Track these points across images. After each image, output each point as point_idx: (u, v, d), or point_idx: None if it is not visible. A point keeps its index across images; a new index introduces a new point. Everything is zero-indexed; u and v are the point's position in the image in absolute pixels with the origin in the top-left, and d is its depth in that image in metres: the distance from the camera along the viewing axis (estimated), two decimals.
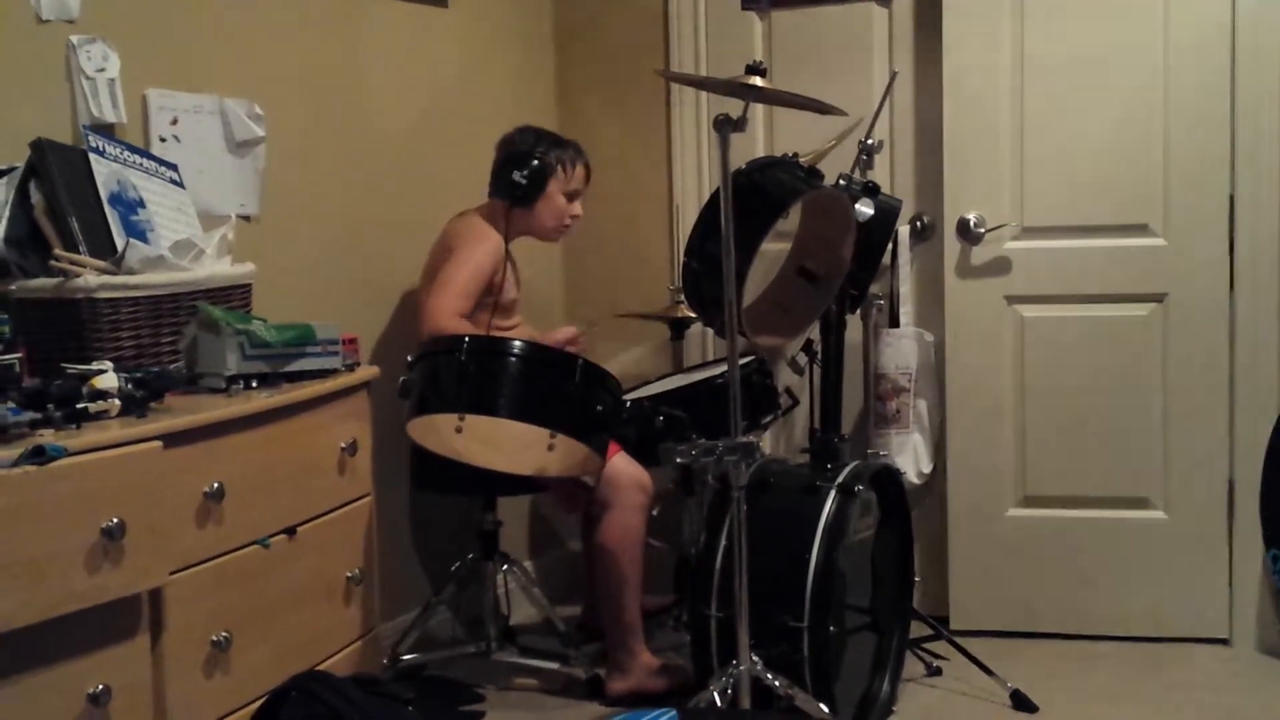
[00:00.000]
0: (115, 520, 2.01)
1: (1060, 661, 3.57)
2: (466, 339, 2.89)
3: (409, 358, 2.96)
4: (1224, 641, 3.65)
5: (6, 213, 2.53)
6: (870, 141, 3.38)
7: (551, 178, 3.48)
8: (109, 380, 2.20)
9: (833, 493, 2.96)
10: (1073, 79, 3.62)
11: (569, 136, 3.62)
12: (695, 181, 4.15)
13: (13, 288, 2.49)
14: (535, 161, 3.45)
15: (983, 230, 3.70)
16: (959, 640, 3.47)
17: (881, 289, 3.79)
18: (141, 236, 2.65)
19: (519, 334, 3.49)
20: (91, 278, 2.44)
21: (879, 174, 3.55)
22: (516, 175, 3.44)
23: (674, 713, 2.11)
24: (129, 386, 2.21)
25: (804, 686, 2.80)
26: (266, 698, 2.29)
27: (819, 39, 3.96)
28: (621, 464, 3.31)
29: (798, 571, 2.87)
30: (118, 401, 2.19)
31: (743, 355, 3.40)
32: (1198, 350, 3.61)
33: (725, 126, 2.60)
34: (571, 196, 3.55)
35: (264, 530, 2.45)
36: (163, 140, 2.92)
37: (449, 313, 3.29)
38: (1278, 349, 3.54)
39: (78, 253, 2.52)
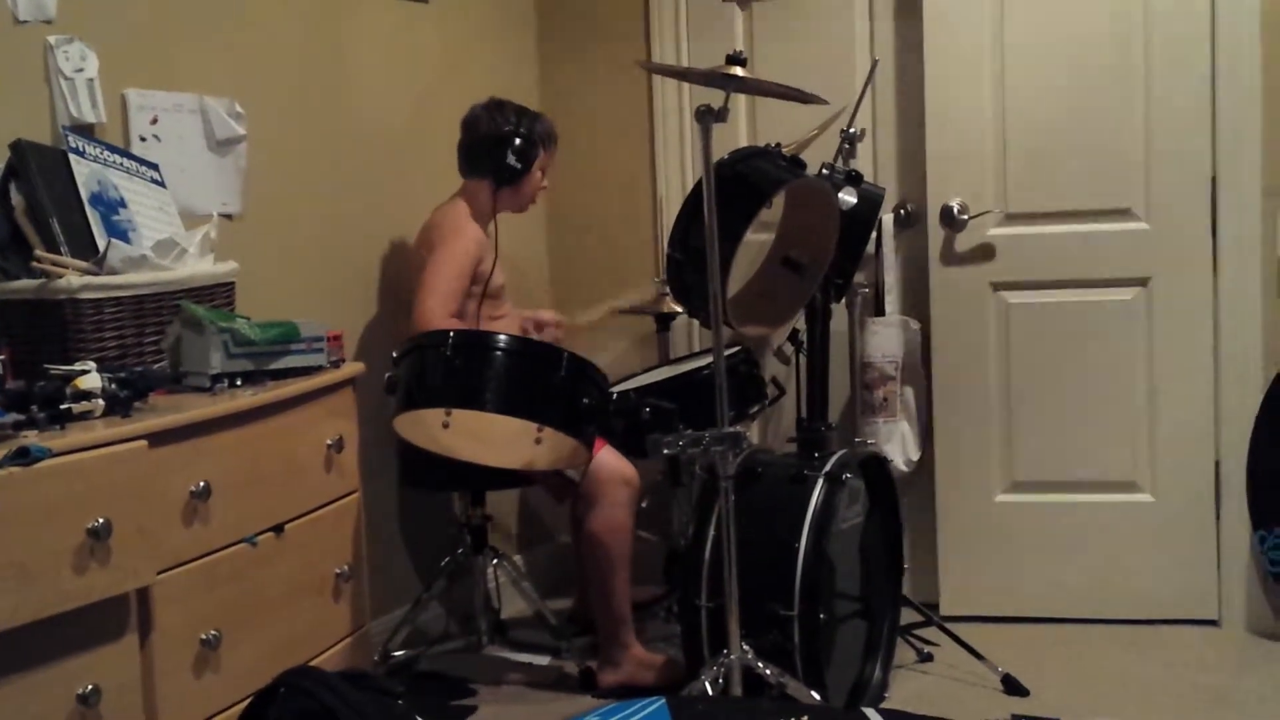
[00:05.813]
0: (101, 520, 2.01)
1: (1051, 645, 3.58)
2: (452, 334, 2.89)
3: (395, 353, 2.95)
4: (1213, 623, 3.66)
5: None
6: (852, 130, 3.38)
7: (536, 157, 3.49)
8: (93, 380, 2.19)
9: (820, 481, 2.96)
10: (1053, 63, 3.62)
11: (553, 128, 3.60)
12: (678, 173, 4.15)
13: None
14: (522, 141, 3.44)
15: (966, 217, 3.70)
16: (949, 626, 3.48)
17: (866, 277, 3.79)
18: (123, 236, 2.64)
19: (508, 324, 3.49)
20: (74, 278, 2.43)
21: (861, 162, 3.55)
22: (511, 159, 3.43)
23: (662, 701, 2.11)
24: (113, 386, 2.21)
25: (795, 674, 2.81)
26: (255, 694, 2.28)
27: (799, 28, 3.96)
28: (607, 458, 3.31)
29: (787, 560, 2.88)
30: (102, 402, 2.18)
31: (729, 346, 3.41)
32: (1182, 333, 3.62)
33: (707, 117, 2.60)
34: (544, 169, 3.57)
35: (251, 528, 2.45)
36: (143, 140, 2.91)
37: (439, 317, 3.28)
38: (1262, 331, 3.55)
39: (59, 253, 2.51)
